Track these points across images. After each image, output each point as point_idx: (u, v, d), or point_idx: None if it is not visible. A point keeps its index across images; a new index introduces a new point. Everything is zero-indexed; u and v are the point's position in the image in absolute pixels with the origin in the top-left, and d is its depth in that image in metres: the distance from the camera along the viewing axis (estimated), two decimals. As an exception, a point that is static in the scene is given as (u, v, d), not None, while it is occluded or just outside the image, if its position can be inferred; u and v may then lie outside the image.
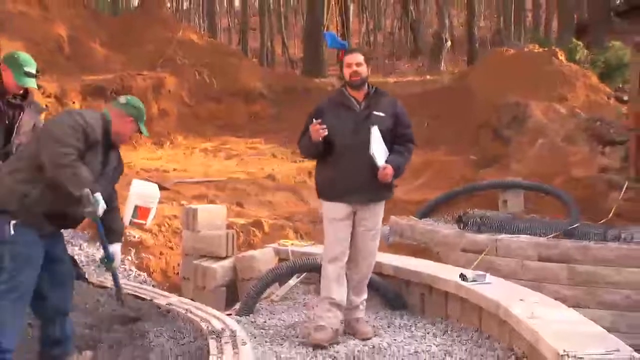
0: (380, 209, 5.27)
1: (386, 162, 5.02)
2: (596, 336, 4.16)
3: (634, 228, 8.59)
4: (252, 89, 16.31)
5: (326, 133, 4.94)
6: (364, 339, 5.18)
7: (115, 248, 4.38)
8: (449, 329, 5.46)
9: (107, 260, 4.31)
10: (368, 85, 5.24)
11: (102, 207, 3.86)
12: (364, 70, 5.15)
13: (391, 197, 5.38)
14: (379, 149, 5.01)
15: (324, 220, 5.35)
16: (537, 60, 14.51)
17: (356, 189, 5.05)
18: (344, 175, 5.05)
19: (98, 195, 3.83)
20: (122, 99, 4.46)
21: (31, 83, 5.03)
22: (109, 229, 4.26)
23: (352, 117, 5.11)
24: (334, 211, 5.17)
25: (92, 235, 8.34)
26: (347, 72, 5.17)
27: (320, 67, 22.53)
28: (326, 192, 5.24)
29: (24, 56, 5.11)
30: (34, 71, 5.06)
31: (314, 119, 5.03)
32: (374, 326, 5.50)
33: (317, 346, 5.00)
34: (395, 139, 5.17)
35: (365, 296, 5.42)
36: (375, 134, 5.00)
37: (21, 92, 5.03)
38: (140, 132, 4.42)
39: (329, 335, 5.09)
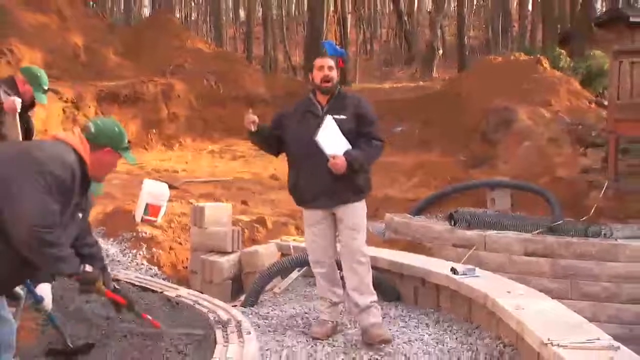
0: (357, 208, 4.88)
1: (345, 154, 4.66)
2: (578, 326, 4.16)
3: (613, 225, 8.61)
4: (256, 94, 16.30)
5: (253, 120, 4.75)
6: (381, 342, 4.76)
7: (43, 289, 3.73)
8: (441, 320, 5.45)
9: (36, 302, 3.76)
10: (335, 89, 4.89)
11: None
12: (334, 74, 4.84)
13: (363, 196, 4.93)
14: (331, 139, 4.67)
15: (304, 225, 5.15)
16: (523, 67, 14.51)
17: (322, 193, 4.77)
18: (308, 181, 4.80)
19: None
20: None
21: (45, 100, 5.66)
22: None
23: (314, 122, 4.76)
24: (308, 216, 4.97)
25: (106, 232, 8.34)
26: (318, 75, 4.83)
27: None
28: (297, 198, 5.00)
29: (44, 76, 5.64)
30: (47, 88, 5.65)
31: (273, 124, 4.95)
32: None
33: (316, 339, 4.95)
34: (359, 137, 4.78)
35: (373, 298, 4.94)
36: (330, 123, 4.68)
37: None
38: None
39: (328, 330, 5.02)
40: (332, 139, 4.67)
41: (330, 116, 4.72)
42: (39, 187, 2.93)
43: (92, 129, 3.29)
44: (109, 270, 3.78)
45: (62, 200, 3.03)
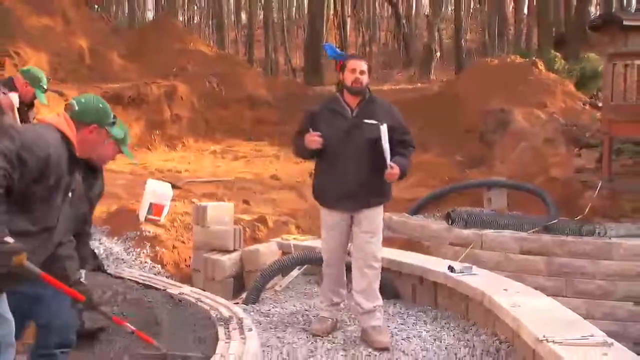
0: (376, 213, 4.84)
1: (393, 162, 4.60)
2: (573, 323, 4.16)
3: (607, 224, 8.61)
4: (257, 96, 16.29)
5: (320, 144, 4.64)
6: (379, 349, 4.69)
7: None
8: (438, 317, 5.45)
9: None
10: (365, 92, 4.81)
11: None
12: (365, 78, 4.74)
13: (386, 201, 4.92)
14: (387, 148, 4.58)
15: (321, 225, 5.04)
16: (519, 70, 14.51)
17: (347, 196, 4.70)
18: (335, 183, 4.73)
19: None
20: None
21: (45, 99, 5.79)
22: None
23: (343, 124, 4.71)
24: (328, 217, 4.87)
25: (111, 231, 8.34)
26: (349, 77, 4.72)
27: (319, 76, 22.49)
28: (320, 198, 4.92)
29: (44, 77, 5.75)
30: (46, 88, 5.78)
31: (308, 125, 4.76)
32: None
33: (316, 336, 4.94)
34: (395, 145, 4.69)
35: (379, 302, 4.90)
36: (384, 131, 4.55)
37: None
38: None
39: (328, 327, 5.00)
40: (386, 147, 4.58)
41: (385, 126, 4.58)
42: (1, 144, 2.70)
43: (76, 107, 3.15)
44: (89, 263, 3.76)
45: (40, 177, 2.85)
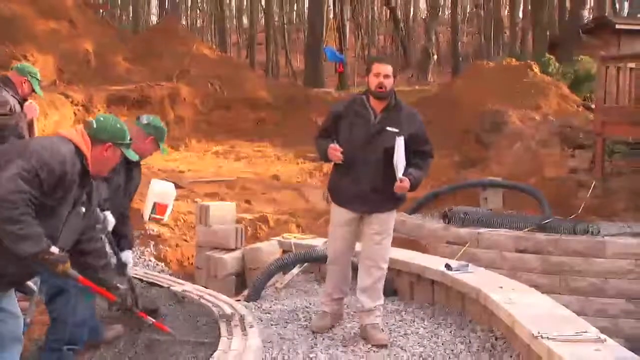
0: (388, 216, 4.73)
1: (405, 175, 4.47)
2: (566, 319, 4.16)
3: (600, 222, 8.61)
4: (258, 97, 16.28)
5: (341, 160, 4.52)
6: (378, 346, 4.65)
7: (127, 255, 4.15)
8: (435, 314, 5.45)
9: (122, 268, 4.07)
10: (391, 97, 4.61)
11: (111, 224, 3.64)
12: (390, 82, 4.53)
13: (399, 206, 4.84)
14: (400, 160, 4.45)
15: (330, 222, 4.96)
16: (514, 72, 14.50)
17: (361, 199, 4.59)
18: (351, 185, 4.60)
19: (107, 215, 3.59)
20: (144, 119, 4.15)
21: (41, 91, 5.76)
22: (122, 236, 4.09)
23: (365, 129, 4.54)
24: (339, 215, 4.75)
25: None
26: (373, 81, 4.53)
27: (319, 78, 22.49)
28: (334, 196, 4.82)
29: (38, 72, 5.77)
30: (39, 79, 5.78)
31: (332, 125, 4.66)
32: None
33: (316, 332, 4.91)
34: (413, 154, 4.57)
35: (380, 302, 4.85)
36: (400, 144, 4.44)
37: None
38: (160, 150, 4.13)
39: (329, 322, 4.97)
40: (400, 160, 4.46)
41: (402, 138, 4.46)
42: (19, 167, 2.87)
43: (94, 125, 3.23)
44: (112, 265, 3.73)
45: (51, 190, 2.96)
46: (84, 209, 3.21)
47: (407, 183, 4.48)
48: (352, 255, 4.94)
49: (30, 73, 5.56)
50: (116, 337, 4.21)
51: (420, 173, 4.60)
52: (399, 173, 4.45)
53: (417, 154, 4.62)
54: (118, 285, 3.44)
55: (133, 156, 3.45)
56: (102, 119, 3.32)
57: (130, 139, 3.37)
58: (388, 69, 4.55)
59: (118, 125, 3.28)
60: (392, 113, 4.60)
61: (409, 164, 4.54)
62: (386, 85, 4.53)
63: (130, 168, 4.10)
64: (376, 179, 4.55)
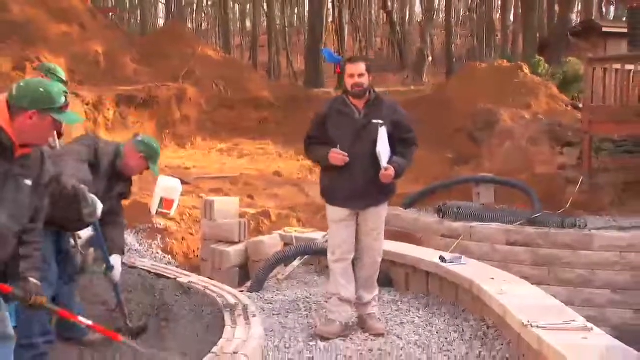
0: (381, 210, 4.69)
1: (390, 163, 4.43)
2: (555, 309, 4.16)
3: (588, 217, 8.61)
4: (261, 97, 16.27)
5: (344, 163, 4.41)
6: (375, 335, 4.63)
7: (116, 260, 4.01)
8: (430, 304, 5.45)
9: (107, 269, 3.93)
10: (369, 92, 4.55)
11: (99, 207, 3.43)
12: (365, 80, 4.46)
13: (391, 197, 4.78)
14: (384, 150, 4.42)
15: (328, 221, 4.81)
16: (505, 73, 14.48)
17: (355, 196, 4.50)
18: (344, 183, 4.49)
19: (94, 198, 3.38)
20: (139, 137, 4.07)
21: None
22: (110, 240, 3.98)
23: (351, 125, 4.48)
24: (335, 214, 4.64)
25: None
26: (349, 82, 4.49)
27: (319, 79, 22.44)
28: (327, 196, 4.68)
29: (59, 70, 5.47)
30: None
31: (319, 128, 4.56)
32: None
33: (323, 338, 4.55)
34: (397, 143, 4.54)
35: (376, 292, 4.83)
36: (382, 134, 4.42)
37: None
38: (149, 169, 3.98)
39: (337, 329, 4.64)
40: (383, 149, 4.43)
41: (384, 128, 4.43)
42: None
43: (14, 92, 2.70)
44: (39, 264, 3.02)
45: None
46: (28, 182, 2.76)
47: (391, 171, 4.43)
48: (353, 250, 4.71)
49: (49, 70, 5.34)
50: (101, 341, 3.93)
51: (405, 161, 4.55)
52: (383, 162, 4.41)
53: (400, 142, 4.58)
54: (29, 278, 2.83)
55: (69, 120, 2.95)
56: (22, 84, 2.79)
57: (66, 103, 2.91)
58: (361, 67, 4.50)
59: (41, 89, 2.72)
60: (374, 107, 4.55)
61: (394, 153, 4.51)
62: (362, 83, 4.48)
63: (118, 181, 4.00)
64: (369, 172, 4.47)
